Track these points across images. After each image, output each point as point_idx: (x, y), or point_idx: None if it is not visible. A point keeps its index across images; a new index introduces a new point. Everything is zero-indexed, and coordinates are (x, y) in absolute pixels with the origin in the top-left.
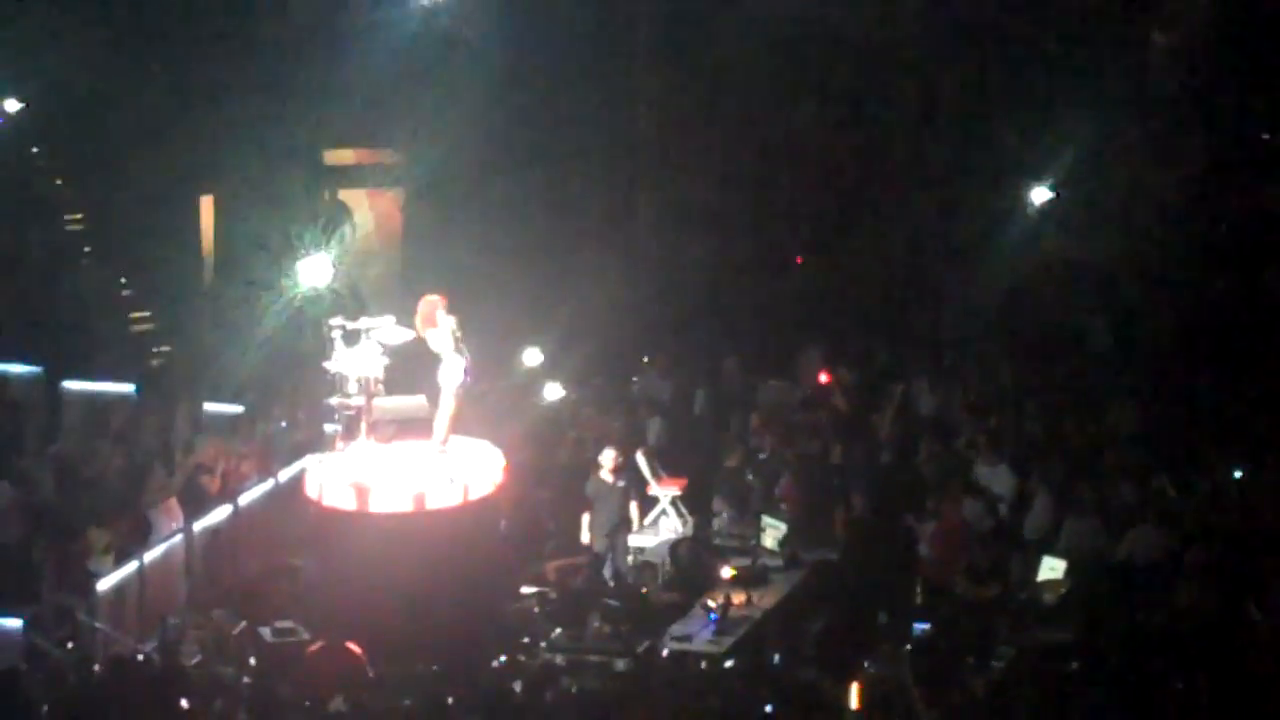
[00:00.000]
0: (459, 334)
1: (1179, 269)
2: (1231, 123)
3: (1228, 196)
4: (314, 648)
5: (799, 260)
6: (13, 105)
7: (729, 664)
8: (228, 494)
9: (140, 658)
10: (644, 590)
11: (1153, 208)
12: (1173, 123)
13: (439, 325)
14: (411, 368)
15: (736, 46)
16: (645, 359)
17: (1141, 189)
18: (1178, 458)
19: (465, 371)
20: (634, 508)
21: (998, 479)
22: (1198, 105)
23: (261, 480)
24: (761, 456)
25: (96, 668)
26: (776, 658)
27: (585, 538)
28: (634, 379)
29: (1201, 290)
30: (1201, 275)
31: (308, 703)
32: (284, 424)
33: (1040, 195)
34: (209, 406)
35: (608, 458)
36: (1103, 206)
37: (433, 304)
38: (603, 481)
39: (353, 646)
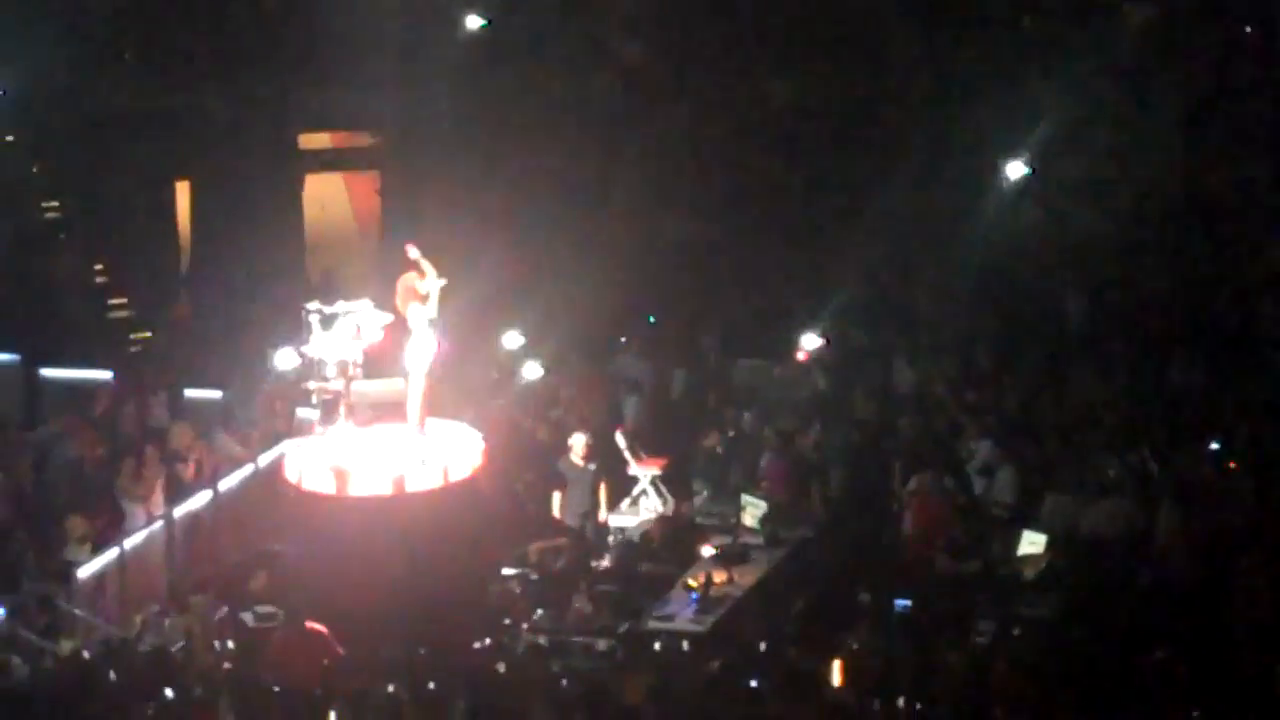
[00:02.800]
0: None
1: (1155, 244)
2: (1208, 95)
3: (1204, 170)
4: (277, 634)
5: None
6: None
7: (711, 642)
8: (205, 480)
9: (122, 645)
10: (628, 568)
11: (1129, 183)
12: (1148, 96)
13: (426, 277)
14: (389, 351)
15: (710, 23)
16: (623, 339)
17: (1117, 164)
18: (1155, 432)
19: (434, 351)
20: (603, 490)
21: (980, 453)
22: (1173, 78)
23: (240, 466)
24: (739, 435)
25: (80, 655)
26: (759, 636)
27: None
28: (613, 359)
29: (1178, 265)
30: (1178, 250)
31: (284, 688)
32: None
33: (1016, 171)
34: (189, 393)
35: (579, 442)
36: (1078, 182)
37: (411, 279)
38: (572, 465)
39: (315, 626)
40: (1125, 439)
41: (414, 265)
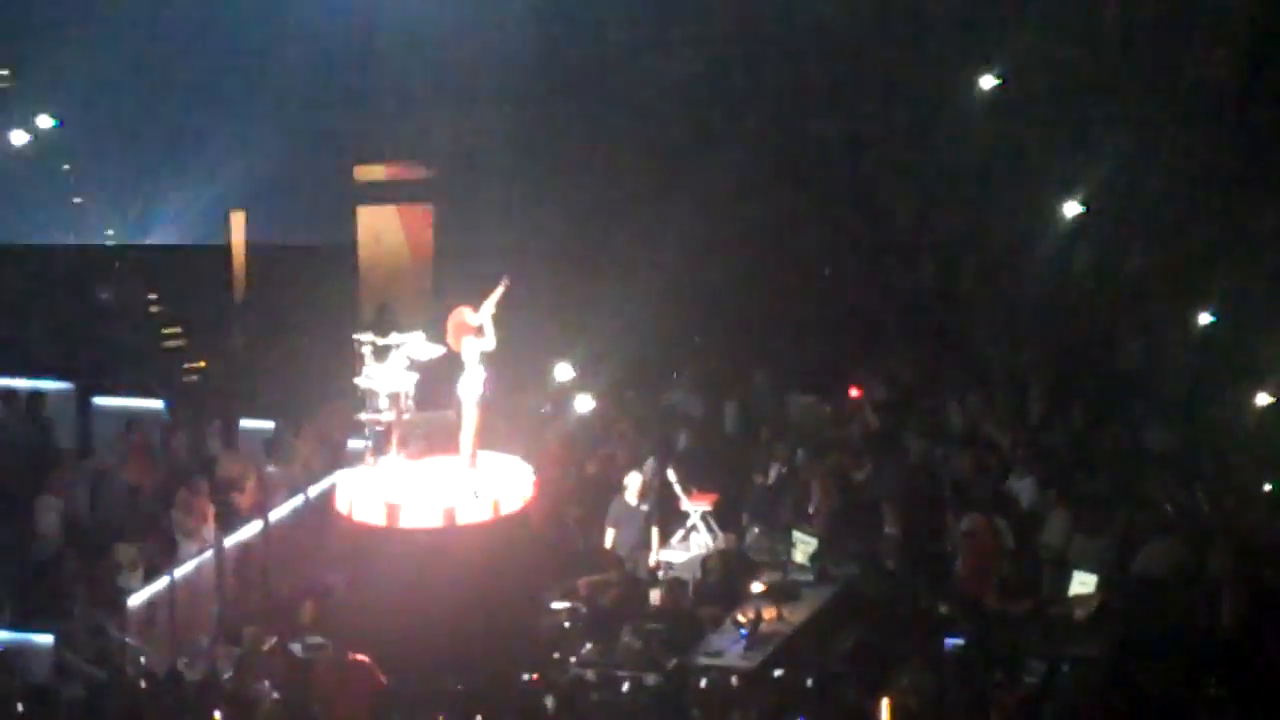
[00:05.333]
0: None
1: (1210, 283)
2: (1266, 135)
3: (1261, 210)
4: (321, 665)
5: (828, 273)
6: (45, 122)
7: (760, 678)
8: (257, 510)
9: (173, 674)
10: (677, 604)
11: (1185, 222)
12: (1206, 136)
13: (480, 313)
14: (441, 384)
15: (766, 57)
16: (675, 374)
17: (1173, 203)
18: (1209, 472)
19: (484, 384)
20: (655, 532)
21: (1024, 493)
22: (1231, 119)
23: (291, 496)
24: (791, 472)
25: (128, 683)
26: (808, 673)
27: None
28: (664, 394)
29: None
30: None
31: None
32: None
33: (1071, 209)
34: (242, 423)
35: (634, 481)
36: (1134, 220)
37: (461, 313)
38: (626, 504)
39: (359, 657)
40: (1177, 479)
41: (462, 316)
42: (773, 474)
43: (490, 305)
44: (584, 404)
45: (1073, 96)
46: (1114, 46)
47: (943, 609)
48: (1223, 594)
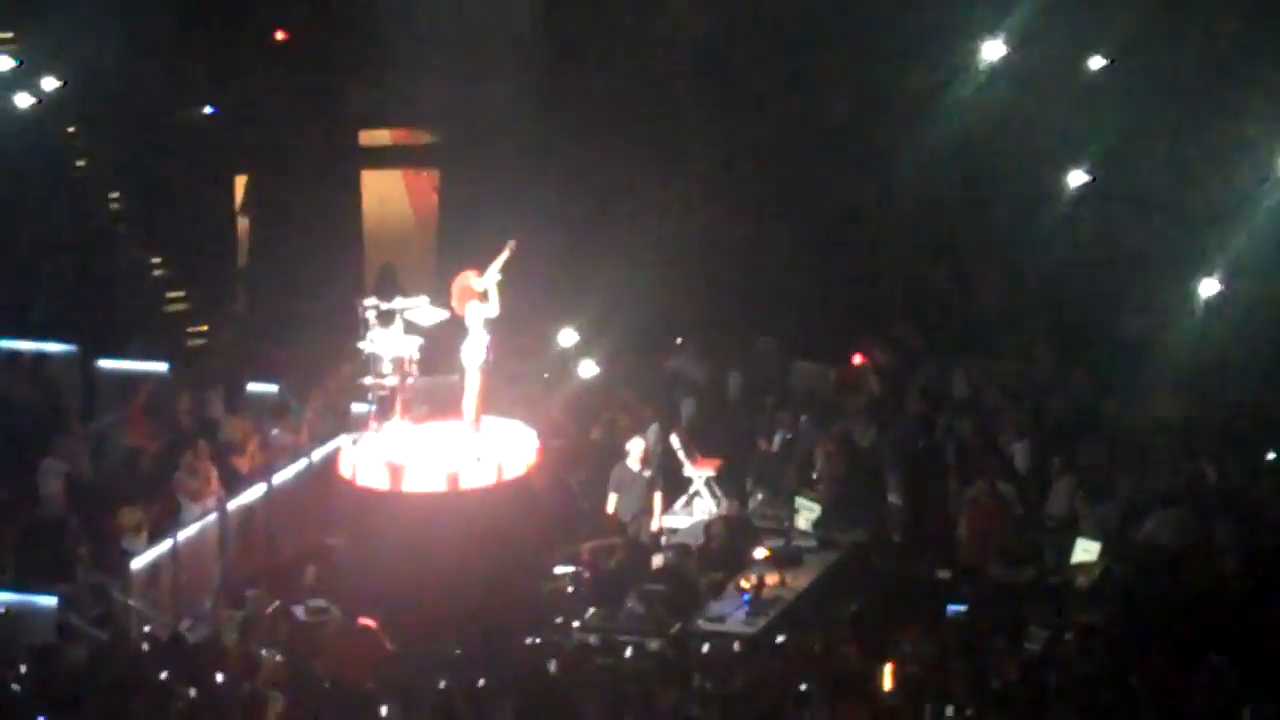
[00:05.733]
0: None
1: (1213, 253)
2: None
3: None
4: (330, 630)
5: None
6: (50, 84)
7: (763, 644)
8: (259, 473)
9: (176, 636)
10: (680, 569)
11: (1185, 193)
12: (1211, 106)
13: (485, 277)
14: (445, 348)
15: (773, 27)
16: (679, 340)
17: (1176, 172)
18: (1215, 442)
19: (488, 349)
20: (658, 497)
21: (1019, 455)
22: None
23: (295, 460)
24: (794, 438)
25: (131, 645)
26: (810, 639)
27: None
28: (668, 359)
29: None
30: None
31: (336, 683)
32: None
33: (1077, 179)
34: (248, 386)
35: (636, 447)
36: (1136, 192)
37: (466, 278)
38: (628, 469)
39: (366, 622)
40: (1183, 449)
41: (468, 280)
42: (776, 440)
43: (495, 270)
44: (587, 369)
45: (1078, 65)
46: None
47: (945, 575)
48: (1225, 562)
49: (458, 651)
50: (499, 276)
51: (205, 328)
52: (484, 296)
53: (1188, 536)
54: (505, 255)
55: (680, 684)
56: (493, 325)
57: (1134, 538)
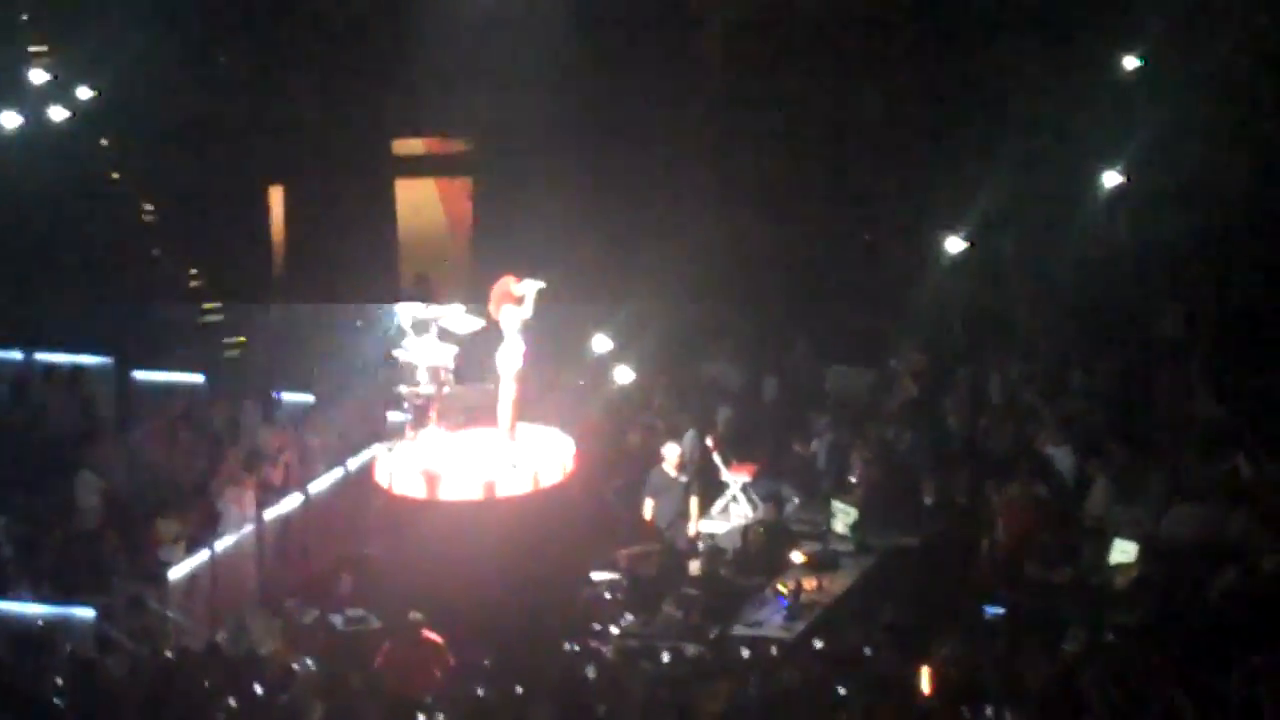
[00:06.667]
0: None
1: (1247, 252)
2: None
3: None
4: (390, 644)
5: (866, 240)
6: (85, 94)
7: (801, 648)
8: (294, 483)
9: (214, 647)
10: (717, 574)
11: (1224, 190)
12: (1245, 104)
13: (517, 296)
14: (480, 356)
15: (803, 27)
16: (714, 344)
17: (1212, 171)
18: (1248, 438)
19: (524, 355)
20: (694, 503)
21: (1061, 461)
22: (1268, 87)
23: (330, 469)
24: (830, 442)
25: (169, 656)
26: (849, 642)
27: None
28: (703, 365)
29: (1272, 272)
30: (1271, 258)
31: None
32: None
33: (1111, 179)
34: (283, 396)
35: (672, 452)
36: (1173, 190)
37: (506, 283)
38: (665, 474)
39: (431, 636)
40: (1218, 446)
41: (507, 286)
42: (813, 444)
43: (532, 289)
44: (623, 375)
45: (1112, 65)
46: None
47: (983, 578)
48: (1263, 561)
49: (495, 659)
50: (539, 284)
51: (241, 339)
52: (519, 301)
53: (1206, 532)
54: (538, 286)
55: (718, 688)
56: (528, 332)
57: (1168, 537)
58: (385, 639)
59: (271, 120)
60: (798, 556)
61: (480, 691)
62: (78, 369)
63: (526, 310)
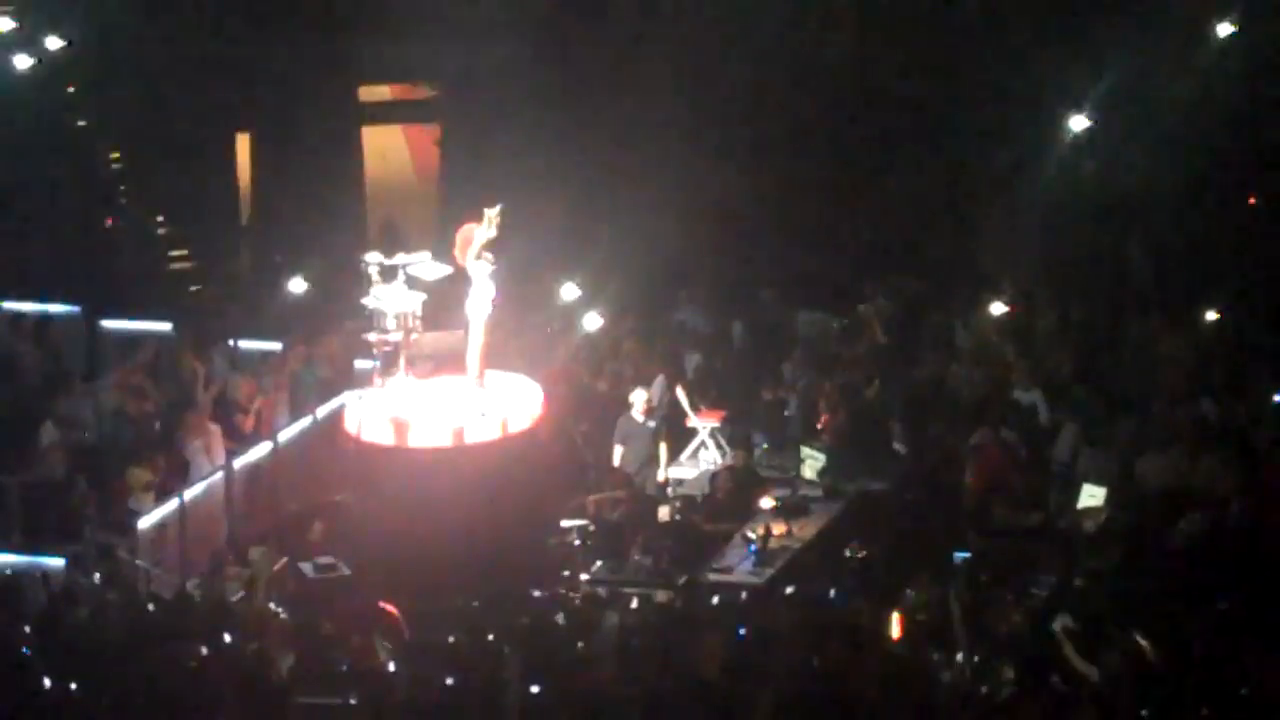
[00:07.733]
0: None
1: (1217, 194)
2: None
3: (1267, 120)
4: (344, 601)
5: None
6: (54, 43)
7: (769, 594)
8: (264, 431)
9: (184, 595)
10: (686, 520)
11: (1192, 135)
12: (1213, 51)
13: (476, 239)
14: (448, 303)
15: None
16: (682, 291)
17: (1180, 117)
18: (1217, 382)
19: (492, 302)
20: (663, 449)
21: (1032, 405)
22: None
23: (296, 418)
24: (799, 388)
25: (140, 605)
26: (817, 588)
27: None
28: (672, 311)
29: (1240, 215)
30: (1240, 200)
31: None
32: (314, 361)
33: (1079, 123)
34: (245, 344)
35: (639, 398)
36: (1141, 135)
37: (470, 229)
38: (633, 421)
39: (389, 607)
40: (1187, 390)
41: (472, 231)
42: (781, 390)
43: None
44: (592, 322)
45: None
46: None
47: (951, 523)
48: (1232, 505)
49: (465, 605)
50: (491, 232)
51: (207, 286)
52: (488, 246)
53: (1173, 476)
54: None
55: (688, 635)
56: (497, 279)
57: (1137, 482)
58: (353, 587)
59: (238, 68)
60: (767, 502)
61: (450, 638)
62: (45, 318)
63: (490, 232)
